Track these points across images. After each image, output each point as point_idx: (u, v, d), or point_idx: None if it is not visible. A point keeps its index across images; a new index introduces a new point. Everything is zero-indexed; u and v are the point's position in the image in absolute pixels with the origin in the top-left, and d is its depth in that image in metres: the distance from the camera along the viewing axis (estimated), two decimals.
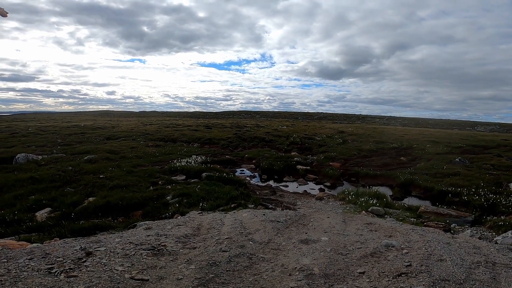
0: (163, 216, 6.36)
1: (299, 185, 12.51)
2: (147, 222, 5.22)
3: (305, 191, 11.31)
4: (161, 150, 16.97)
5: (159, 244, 3.60)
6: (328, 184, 12.62)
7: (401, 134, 28.16)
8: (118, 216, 6.95)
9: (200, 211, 6.20)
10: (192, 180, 10.29)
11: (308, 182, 12.97)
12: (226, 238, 3.89)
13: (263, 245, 3.77)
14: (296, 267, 3.10)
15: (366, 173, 13.25)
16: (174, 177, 10.71)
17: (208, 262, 3.11)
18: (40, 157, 13.67)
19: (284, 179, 13.24)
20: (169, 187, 8.94)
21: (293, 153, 18.44)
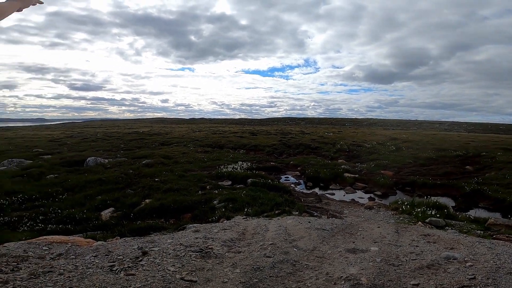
0: (209, 219, 6.62)
1: (347, 193, 12.01)
2: (195, 225, 5.48)
3: (353, 199, 10.83)
4: (209, 156, 17.74)
5: (206, 247, 3.75)
6: (378, 193, 11.91)
7: (466, 140, 25.41)
8: (169, 218, 7.43)
9: (244, 216, 6.31)
10: (238, 186, 10.54)
11: (356, 190, 12.40)
12: (270, 244, 3.90)
13: (307, 252, 3.70)
14: (341, 276, 2.98)
15: (424, 182, 12.21)
16: (221, 182, 11.09)
17: (253, 267, 3.16)
18: (106, 160, 15.28)
19: (331, 187, 12.84)
20: (216, 192, 9.28)
21: (340, 161, 17.80)
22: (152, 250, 3.54)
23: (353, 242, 4.19)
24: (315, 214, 6.98)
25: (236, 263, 3.29)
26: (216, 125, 59.73)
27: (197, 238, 4.12)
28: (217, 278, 2.91)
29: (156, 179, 10.99)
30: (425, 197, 9.96)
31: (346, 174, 13.83)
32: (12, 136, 35.49)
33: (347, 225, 5.15)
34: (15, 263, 2.91)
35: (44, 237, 4.25)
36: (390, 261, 3.45)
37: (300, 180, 13.93)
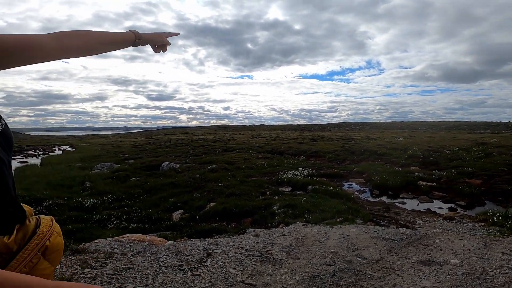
0: (269, 225, 6.68)
1: (420, 202, 10.81)
2: (255, 229, 5.59)
3: (428, 209, 9.69)
4: (269, 162, 17.98)
5: (266, 252, 3.79)
6: (461, 203, 10.42)
7: None
8: (231, 222, 7.73)
9: (304, 223, 6.19)
10: (298, 192, 10.41)
11: (433, 200, 11.06)
12: (331, 252, 3.74)
13: (372, 262, 3.44)
14: None
15: None
16: (281, 188, 11.11)
17: (312, 274, 3.07)
18: (177, 165, 16.77)
19: (401, 196, 11.71)
20: (276, 197, 9.32)
21: (412, 168, 16.12)
22: (215, 252, 3.73)
23: (428, 254, 3.76)
24: (382, 224, 6.44)
25: (295, 269, 3.25)
26: (276, 131, 60.33)
27: (257, 242, 4.20)
28: (276, 284, 2.91)
29: (220, 184, 11.59)
30: None
31: (421, 182, 12.45)
32: (104, 143, 41.76)
33: (420, 236, 4.64)
34: (103, 259, 3.37)
35: (127, 235, 4.84)
36: (475, 274, 3.00)
37: (365, 188, 13.05)
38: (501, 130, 49.54)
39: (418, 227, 6.46)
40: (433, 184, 12.30)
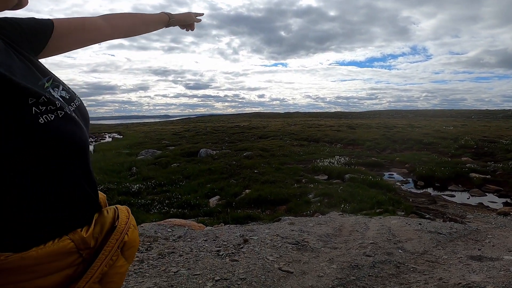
0: (304, 213, 6.64)
1: (472, 196, 9.97)
2: (290, 217, 5.60)
3: (480, 203, 8.93)
4: (304, 149, 17.72)
5: (302, 240, 3.78)
6: None
7: None
8: (266, 209, 7.82)
9: (340, 213, 6.05)
10: (334, 181, 10.18)
11: (486, 193, 10.15)
12: (371, 243, 3.62)
13: (415, 255, 3.27)
14: (460, 283, 2.52)
15: None
16: (317, 177, 10.93)
17: (350, 264, 3.01)
18: (214, 152, 17.29)
19: (449, 188, 10.89)
20: (311, 186, 9.21)
21: (464, 159, 14.85)
22: (251, 238, 3.80)
23: (479, 250, 3.48)
24: (427, 216, 6.07)
25: (332, 258, 3.20)
26: (311, 119, 59.01)
27: (292, 230, 4.20)
28: (313, 272, 2.90)
29: (255, 171, 11.73)
30: None
31: (473, 174, 11.45)
32: (147, 130, 44.32)
33: (471, 231, 4.30)
34: (149, 243, 3.60)
35: (169, 219, 5.12)
36: None
37: (408, 179, 12.34)
38: None
39: (468, 222, 5.99)
40: (487, 176, 11.25)
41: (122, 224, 0.70)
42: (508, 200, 9.41)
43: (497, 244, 3.69)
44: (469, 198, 9.77)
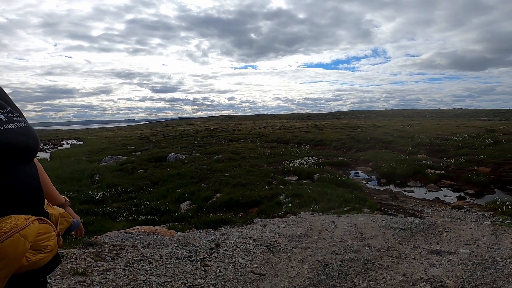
0: (276, 214, 6.71)
1: (429, 191, 10.74)
2: (262, 219, 5.62)
3: (437, 198, 9.65)
4: (274, 151, 17.97)
5: (274, 241, 3.81)
6: (470, 192, 10.34)
7: None
8: (238, 212, 7.79)
9: (311, 212, 6.20)
10: (304, 181, 10.42)
11: (441, 188, 10.99)
12: (339, 241, 3.75)
13: (381, 251, 3.44)
14: (422, 278, 2.69)
15: None
16: (287, 178, 11.12)
17: (321, 263, 3.08)
18: (184, 156, 16.89)
19: (408, 184, 11.65)
20: (282, 187, 9.35)
21: (420, 156, 15.98)
22: (224, 242, 3.76)
23: (437, 244, 3.74)
24: (390, 213, 6.43)
25: (303, 258, 3.26)
26: (281, 121, 60.07)
27: (264, 232, 4.22)
28: (285, 273, 2.94)
29: (226, 174, 11.64)
30: None
31: (429, 170, 12.35)
32: (110, 136, 42.17)
33: (430, 225, 4.61)
34: (115, 252, 3.42)
35: (137, 227, 4.90)
36: (485, 264, 2.98)
37: (372, 176, 13.01)
38: (510, 117, 48.48)
39: (427, 216, 6.43)
40: (441, 172, 12.19)
41: None
42: (461, 194, 10.26)
43: (453, 238, 3.99)
44: (426, 193, 10.51)
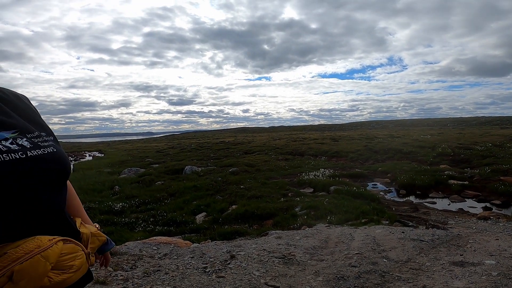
0: (291, 226, 6.63)
1: (452, 202, 10.30)
2: (277, 231, 5.58)
3: (460, 209, 9.23)
4: (290, 163, 17.86)
5: (288, 253, 3.77)
6: (497, 202, 9.84)
7: None
8: (253, 223, 7.75)
9: (327, 224, 6.09)
10: (320, 193, 10.27)
11: (465, 199, 10.51)
12: (356, 253, 3.66)
13: (400, 263, 3.33)
14: None
15: None
16: (303, 190, 11.00)
17: (336, 276, 3.02)
18: (199, 169, 17.09)
19: (430, 195, 11.22)
20: (298, 199, 9.25)
21: (442, 166, 15.41)
22: (238, 254, 3.76)
23: (461, 255, 3.58)
24: (410, 224, 6.21)
25: (318, 271, 3.21)
26: (296, 132, 59.81)
27: (279, 244, 4.19)
28: (299, 285, 2.90)
29: (241, 186, 11.67)
30: None
31: (452, 181, 11.86)
32: (130, 148, 43.39)
33: (453, 237, 4.43)
34: (133, 261, 3.50)
35: (154, 237, 4.99)
36: (511, 275, 2.83)
37: (391, 188, 12.63)
38: None
39: (450, 228, 6.16)
40: (465, 182, 11.69)
41: (18, 252, 0.70)
42: (487, 204, 9.78)
43: (478, 249, 3.81)
44: (449, 204, 10.08)
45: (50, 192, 0.81)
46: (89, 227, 0.96)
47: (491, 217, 7.52)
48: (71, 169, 0.95)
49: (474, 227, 6.44)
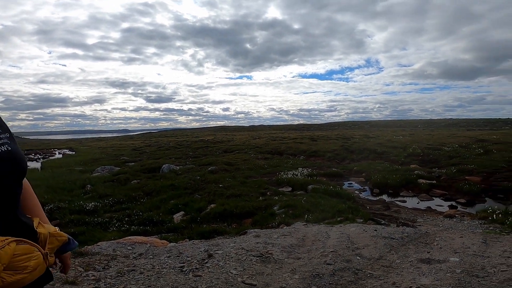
0: (269, 225, 6.70)
1: (421, 200, 10.86)
2: (256, 230, 5.62)
3: (429, 207, 9.75)
4: (269, 162, 18.00)
5: (266, 252, 3.82)
6: (462, 201, 10.49)
7: None
8: (232, 222, 7.75)
9: (305, 223, 6.22)
10: (298, 192, 10.44)
11: (433, 198, 11.12)
12: (331, 251, 3.77)
13: (372, 261, 3.48)
14: (411, 287, 2.73)
15: None
16: (281, 189, 11.13)
17: (312, 274, 3.10)
18: (177, 167, 16.79)
19: (401, 194, 11.75)
20: (276, 198, 9.35)
21: (412, 166, 16.17)
22: (216, 253, 3.76)
23: (428, 252, 3.79)
24: (382, 222, 6.48)
25: (295, 269, 3.28)
26: (275, 132, 60.32)
27: (257, 243, 4.23)
28: (276, 283, 2.95)
29: (220, 185, 11.61)
30: None
31: (421, 180, 12.49)
32: (104, 146, 41.77)
33: (421, 234, 4.67)
34: (106, 261, 3.39)
35: (129, 237, 4.86)
36: (474, 272, 3.04)
37: (365, 187, 13.10)
38: (500, 127, 49.51)
39: (419, 225, 6.50)
40: (433, 182, 12.34)
41: None
42: (453, 203, 10.39)
43: (444, 246, 4.04)
44: (418, 203, 10.61)
45: (3, 192, 0.80)
46: (47, 227, 0.95)
47: (457, 215, 8.03)
48: (27, 168, 0.92)
49: (440, 225, 6.85)
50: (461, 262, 3.35)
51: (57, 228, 1.01)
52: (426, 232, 4.99)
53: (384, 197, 11.47)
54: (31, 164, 26.48)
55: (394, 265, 3.38)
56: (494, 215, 7.27)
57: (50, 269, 0.94)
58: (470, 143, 22.36)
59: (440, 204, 10.31)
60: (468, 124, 58.84)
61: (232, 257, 3.60)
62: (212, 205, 9.19)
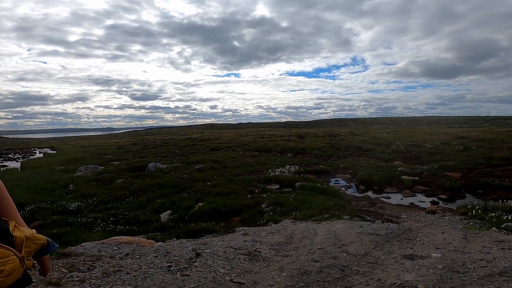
0: (258, 223, 6.73)
1: (404, 197, 11.16)
2: (244, 228, 5.63)
3: (412, 203, 10.03)
4: (257, 160, 18.03)
5: (254, 250, 3.83)
6: (443, 196, 10.85)
7: None
8: (220, 221, 7.74)
9: (292, 220, 6.28)
10: (286, 190, 10.52)
11: (416, 194, 11.44)
12: (319, 248, 3.83)
13: (358, 257, 3.55)
14: (395, 283, 2.80)
15: (500, 184, 10.81)
16: (269, 186, 11.19)
17: (299, 271, 3.13)
18: (164, 166, 16.57)
19: (385, 191, 12.05)
20: (264, 195, 9.39)
21: (396, 163, 16.59)
22: (204, 252, 3.74)
23: (411, 248, 3.90)
24: (368, 219, 6.63)
25: (283, 266, 3.31)
26: (263, 129, 60.44)
27: (245, 241, 4.23)
28: (264, 281, 2.96)
29: (208, 183, 11.54)
30: (501, 201, 8.80)
31: (404, 177, 12.84)
32: (87, 145, 40.70)
33: (404, 230, 4.80)
34: (91, 262, 3.32)
35: (115, 237, 4.77)
36: (455, 268, 3.14)
37: (351, 184, 13.35)
38: (479, 124, 51.43)
39: (402, 222, 6.67)
40: (415, 178, 12.71)
41: None
42: (435, 199, 10.74)
43: (426, 242, 4.16)
44: (402, 199, 10.91)
45: None
46: (24, 230, 0.94)
47: (438, 211, 8.31)
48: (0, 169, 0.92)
49: (423, 221, 7.06)
50: (443, 258, 3.46)
51: (34, 231, 0.99)
52: (409, 228, 5.13)
53: (370, 193, 11.73)
54: (11, 164, 25.49)
55: (379, 261, 3.46)
56: (474, 211, 7.56)
57: (29, 271, 0.93)
58: (450, 140, 23.13)
59: (422, 200, 10.63)
60: (449, 122, 60.78)
61: (220, 256, 3.59)
62: (200, 204, 9.13)
